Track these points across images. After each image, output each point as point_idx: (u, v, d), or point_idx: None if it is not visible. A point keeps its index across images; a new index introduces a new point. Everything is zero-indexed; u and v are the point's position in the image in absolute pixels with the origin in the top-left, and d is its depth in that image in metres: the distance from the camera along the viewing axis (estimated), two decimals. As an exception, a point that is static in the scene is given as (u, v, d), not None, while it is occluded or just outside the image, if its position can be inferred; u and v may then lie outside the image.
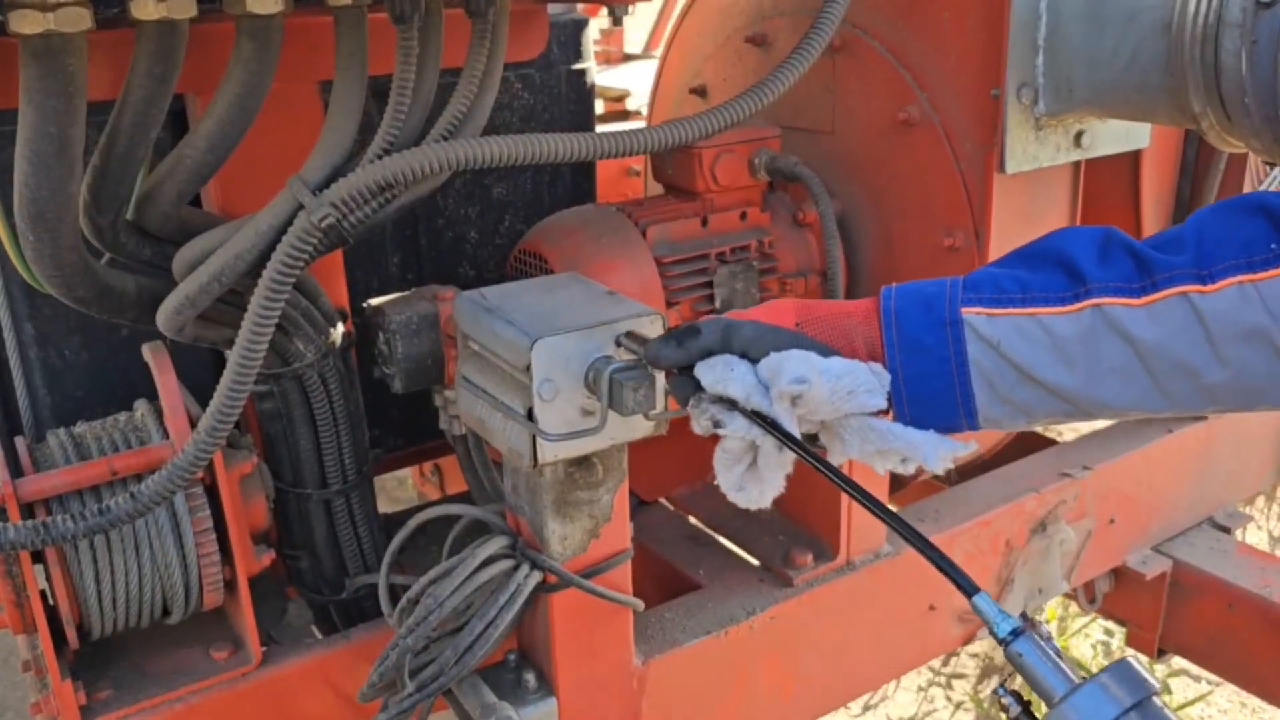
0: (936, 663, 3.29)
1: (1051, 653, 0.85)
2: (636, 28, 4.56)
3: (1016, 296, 0.99)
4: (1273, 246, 0.89)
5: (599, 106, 3.82)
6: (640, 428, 1.26)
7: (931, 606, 1.76)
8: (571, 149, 1.24)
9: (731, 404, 1.01)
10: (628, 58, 4.56)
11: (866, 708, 3.12)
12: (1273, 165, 1.86)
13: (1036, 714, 0.89)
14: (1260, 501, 4.04)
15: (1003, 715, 0.94)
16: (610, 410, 1.18)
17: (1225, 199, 0.99)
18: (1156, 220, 1.95)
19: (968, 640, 1.85)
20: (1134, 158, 1.87)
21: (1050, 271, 1.00)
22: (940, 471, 0.98)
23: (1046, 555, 1.89)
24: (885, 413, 1.02)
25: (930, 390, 1.01)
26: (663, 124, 1.31)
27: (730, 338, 1.03)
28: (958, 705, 3.10)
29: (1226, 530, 2.18)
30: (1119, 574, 2.08)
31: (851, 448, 1.01)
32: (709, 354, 1.03)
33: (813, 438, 1.05)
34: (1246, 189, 1.94)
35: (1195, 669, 2.93)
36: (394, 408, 1.81)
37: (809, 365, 0.98)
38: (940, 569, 0.90)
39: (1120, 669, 0.84)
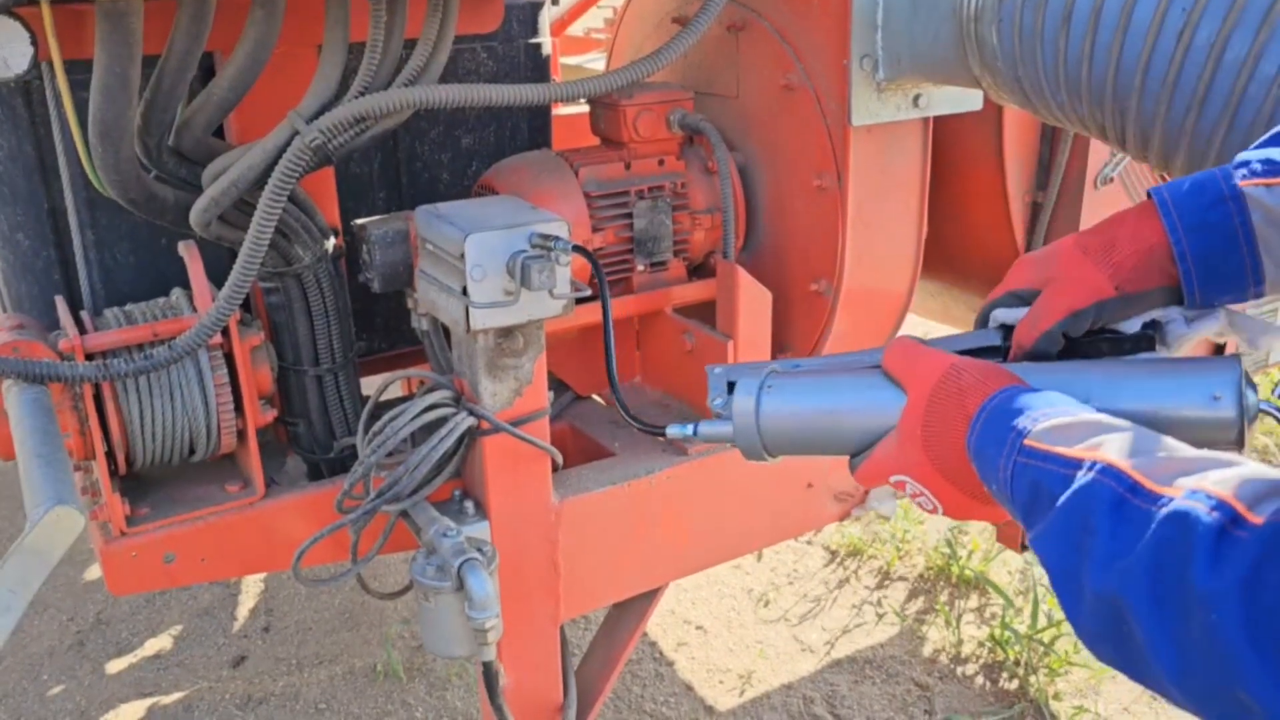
0: (871, 582, 3.68)
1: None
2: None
3: None
4: None
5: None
6: (550, 307, 1.66)
7: (809, 484, 2.15)
8: (497, 95, 1.64)
9: None
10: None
11: (804, 619, 3.52)
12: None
13: None
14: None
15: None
16: (523, 289, 1.59)
17: None
18: (1019, 179, 2.33)
19: (843, 517, 2.23)
20: (998, 122, 2.25)
21: None
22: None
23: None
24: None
25: (1219, 265, 1.02)
26: (570, 81, 1.71)
27: None
28: (880, 617, 3.49)
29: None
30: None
31: None
32: None
33: None
34: (1092, 155, 2.31)
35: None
36: (379, 316, 2.23)
37: None
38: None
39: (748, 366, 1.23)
